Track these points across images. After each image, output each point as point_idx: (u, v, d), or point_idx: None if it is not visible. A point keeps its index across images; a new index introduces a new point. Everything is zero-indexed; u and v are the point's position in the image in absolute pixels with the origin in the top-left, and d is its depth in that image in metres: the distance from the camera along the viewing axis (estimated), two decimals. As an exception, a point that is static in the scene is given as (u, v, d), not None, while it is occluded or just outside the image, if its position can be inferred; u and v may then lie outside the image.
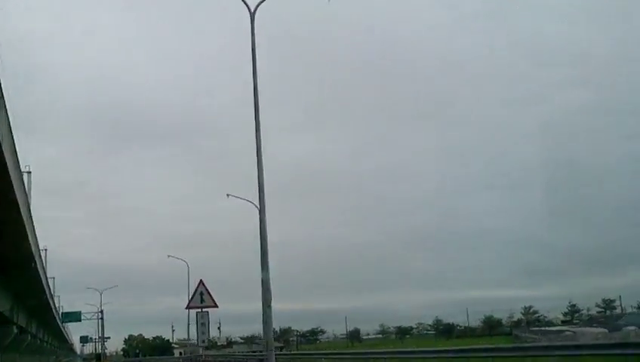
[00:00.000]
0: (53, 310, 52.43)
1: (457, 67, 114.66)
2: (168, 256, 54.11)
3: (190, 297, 15.46)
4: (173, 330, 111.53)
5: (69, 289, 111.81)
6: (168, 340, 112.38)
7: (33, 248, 22.28)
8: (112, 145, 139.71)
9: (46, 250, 48.55)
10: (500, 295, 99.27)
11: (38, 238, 25.13)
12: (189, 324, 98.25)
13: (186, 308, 15.57)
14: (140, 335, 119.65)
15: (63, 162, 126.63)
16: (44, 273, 38.42)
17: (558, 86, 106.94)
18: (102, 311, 72.02)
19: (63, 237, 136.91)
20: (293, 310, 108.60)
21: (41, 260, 32.19)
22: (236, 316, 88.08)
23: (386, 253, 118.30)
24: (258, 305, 12.15)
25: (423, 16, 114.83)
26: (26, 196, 19.47)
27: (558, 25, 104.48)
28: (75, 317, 68.69)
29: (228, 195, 29.74)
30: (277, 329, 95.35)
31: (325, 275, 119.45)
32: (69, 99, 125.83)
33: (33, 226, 20.43)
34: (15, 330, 36.39)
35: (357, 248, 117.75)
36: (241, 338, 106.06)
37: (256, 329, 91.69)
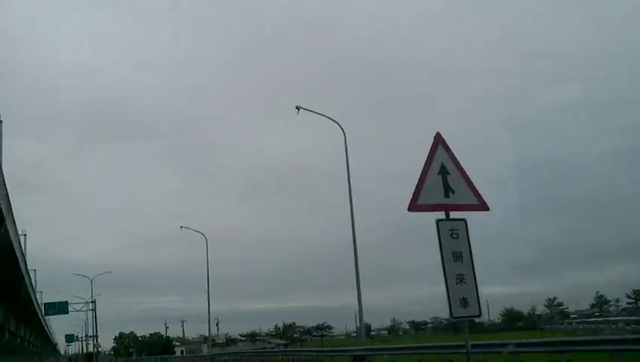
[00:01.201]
0: (36, 307, 47.79)
1: (438, 64, 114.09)
2: (181, 227, 48.58)
3: (420, 179, 5.49)
4: (167, 327, 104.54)
5: (54, 287, 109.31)
6: (168, 337, 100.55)
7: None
8: (94, 143, 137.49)
9: (25, 234, 42.61)
10: (495, 291, 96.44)
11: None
12: (183, 322, 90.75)
13: (410, 208, 5.65)
14: (132, 333, 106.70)
15: (43, 161, 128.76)
16: (26, 267, 36.01)
17: (542, 81, 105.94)
18: (94, 302, 60.04)
19: (45, 236, 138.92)
20: (297, 307, 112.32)
21: (23, 254, 29.83)
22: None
23: (382, 251, 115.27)
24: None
25: (401, 13, 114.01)
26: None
27: (545, 20, 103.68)
28: (61, 308, 57.02)
29: (298, 109, 26.62)
30: (279, 325, 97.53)
31: (332, 271, 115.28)
32: (50, 98, 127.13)
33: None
34: (7, 335, 34.51)
35: (361, 245, 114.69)
36: (241, 335, 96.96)
37: (250, 327, 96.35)
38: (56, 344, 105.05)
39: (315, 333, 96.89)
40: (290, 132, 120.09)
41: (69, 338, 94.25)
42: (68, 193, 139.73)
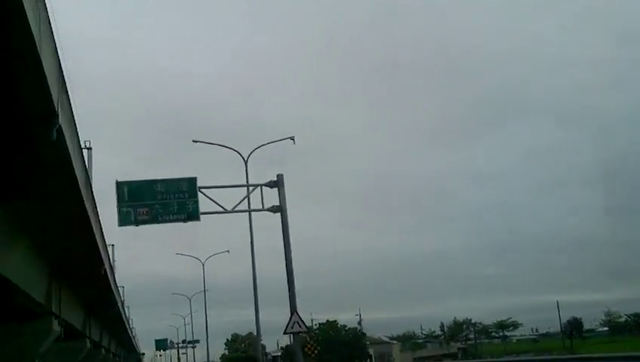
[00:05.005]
0: (125, 321, 48.36)
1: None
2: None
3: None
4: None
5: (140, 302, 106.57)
6: (363, 332, 61.57)
7: (104, 256, 21.01)
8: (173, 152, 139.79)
9: (113, 245, 40.57)
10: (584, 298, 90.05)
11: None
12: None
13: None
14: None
15: (125, 172, 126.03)
16: (114, 281, 38.65)
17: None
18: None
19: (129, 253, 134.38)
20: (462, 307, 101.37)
21: (112, 268, 31.66)
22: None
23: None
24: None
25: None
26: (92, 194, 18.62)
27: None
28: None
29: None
30: (444, 323, 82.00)
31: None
32: (129, 107, 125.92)
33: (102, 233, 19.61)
34: (89, 345, 37.19)
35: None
36: (390, 337, 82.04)
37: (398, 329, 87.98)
38: (143, 354, 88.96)
39: (494, 333, 79.05)
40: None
41: (161, 344, 73.69)
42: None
